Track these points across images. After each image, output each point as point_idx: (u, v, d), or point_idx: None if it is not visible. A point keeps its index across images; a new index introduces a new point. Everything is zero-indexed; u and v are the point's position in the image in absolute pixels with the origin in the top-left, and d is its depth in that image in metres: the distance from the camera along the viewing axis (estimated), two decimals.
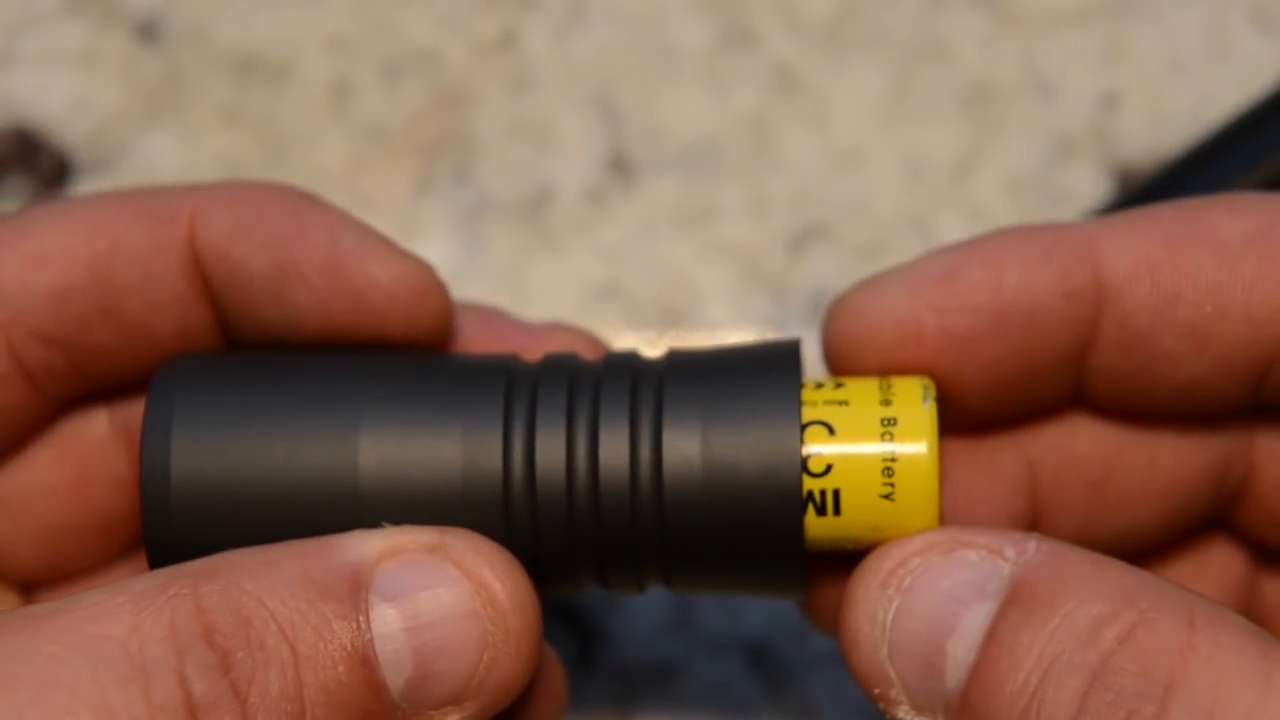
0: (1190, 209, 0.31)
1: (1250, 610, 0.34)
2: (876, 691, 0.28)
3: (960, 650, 0.27)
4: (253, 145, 0.42)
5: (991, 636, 0.27)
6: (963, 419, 0.32)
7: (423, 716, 0.27)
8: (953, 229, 0.41)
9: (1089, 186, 0.42)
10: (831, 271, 0.41)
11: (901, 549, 0.28)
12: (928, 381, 0.30)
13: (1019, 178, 0.42)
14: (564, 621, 0.38)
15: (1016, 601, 0.27)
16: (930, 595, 0.28)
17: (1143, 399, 0.32)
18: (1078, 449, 0.33)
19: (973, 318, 0.31)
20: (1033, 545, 0.27)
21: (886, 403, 0.29)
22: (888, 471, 0.29)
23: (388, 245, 0.30)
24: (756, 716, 0.38)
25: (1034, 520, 0.33)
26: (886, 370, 0.31)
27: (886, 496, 0.29)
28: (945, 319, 0.31)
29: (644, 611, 0.38)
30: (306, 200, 0.30)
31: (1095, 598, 0.26)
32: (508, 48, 0.43)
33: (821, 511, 0.29)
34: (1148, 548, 0.34)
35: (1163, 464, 0.33)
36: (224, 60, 0.43)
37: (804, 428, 0.29)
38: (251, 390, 0.29)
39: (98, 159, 0.42)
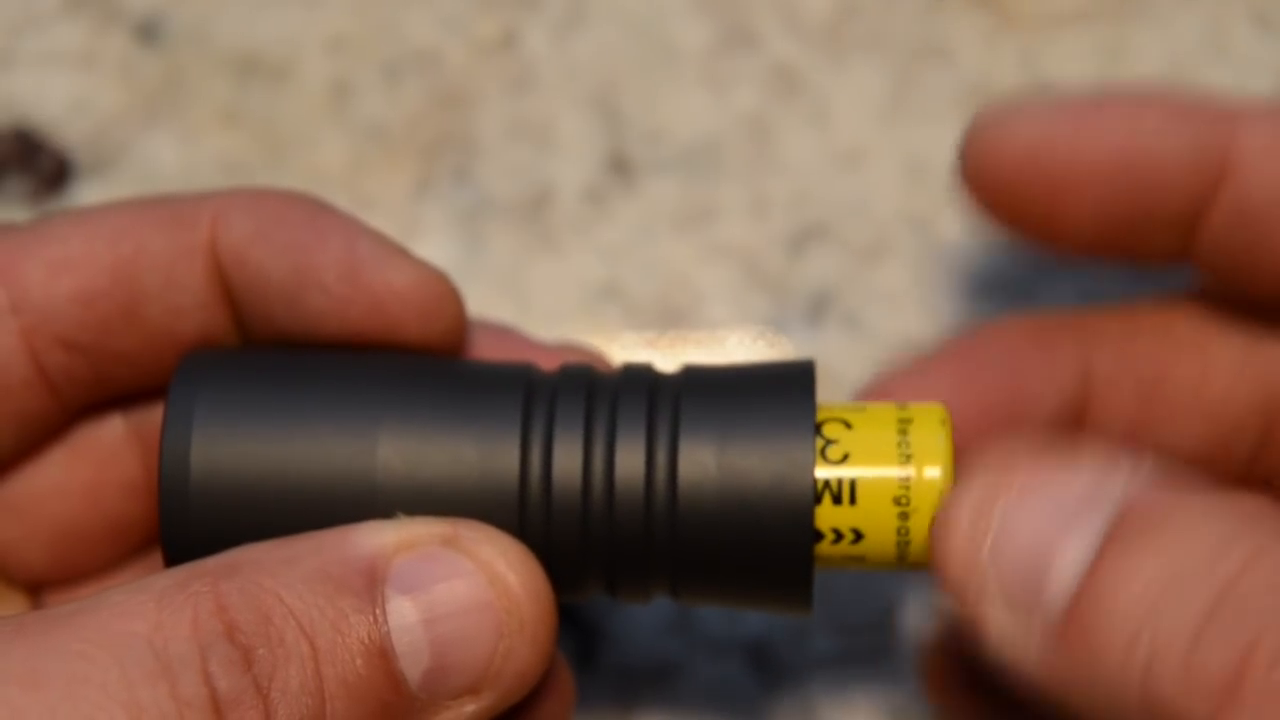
0: None
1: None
2: (970, 585, 0.28)
3: (1071, 557, 0.27)
4: (253, 145, 0.42)
5: (1108, 547, 0.27)
6: (1071, 254, 0.34)
7: (440, 707, 0.28)
8: (953, 229, 0.42)
9: None
10: (831, 271, 0.42)
11: (1013, 452, 0.28)
12: (944, 411, 0.31)
13: None
14: (564, 621, 0.37)
15: (1132, 519, 0.27)
16: (1045, 499, 0.28)
17: (1246, 279, 0.33)
18: (1136, 349, 0.34)
19: (1104, 156, 0.33)
20: (1145, 467, 0.28)
21: (903, 429, 0.30)
22: (903, 489, 0.30)
23: (403, 252, 0.31)
24: (756, 716, 0.39)
25: (1081, 414, 0.34)
26: (1017, 204, 0.33)
27: (902, 516, 0.30)
28: (1078, 149, 0.33)
29: (644, 612, 0.39)
30: (324, 207, 0.31)
31: (1215, 520, 0.27)
32: (508, 48, 0.43)
33: (838, 501, 0.30)
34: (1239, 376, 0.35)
35: (1214, 384, 0.34)
36: (224, 60, 0.43)
37: (822, 445, 0.30)
38: (272, 384, 0.30)
39: (98, 159, 0.42)
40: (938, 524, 0.29)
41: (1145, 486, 0.27)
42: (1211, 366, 0.34)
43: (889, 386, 0.35)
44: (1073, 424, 0.34)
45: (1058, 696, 0.27)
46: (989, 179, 0.34)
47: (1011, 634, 0.27)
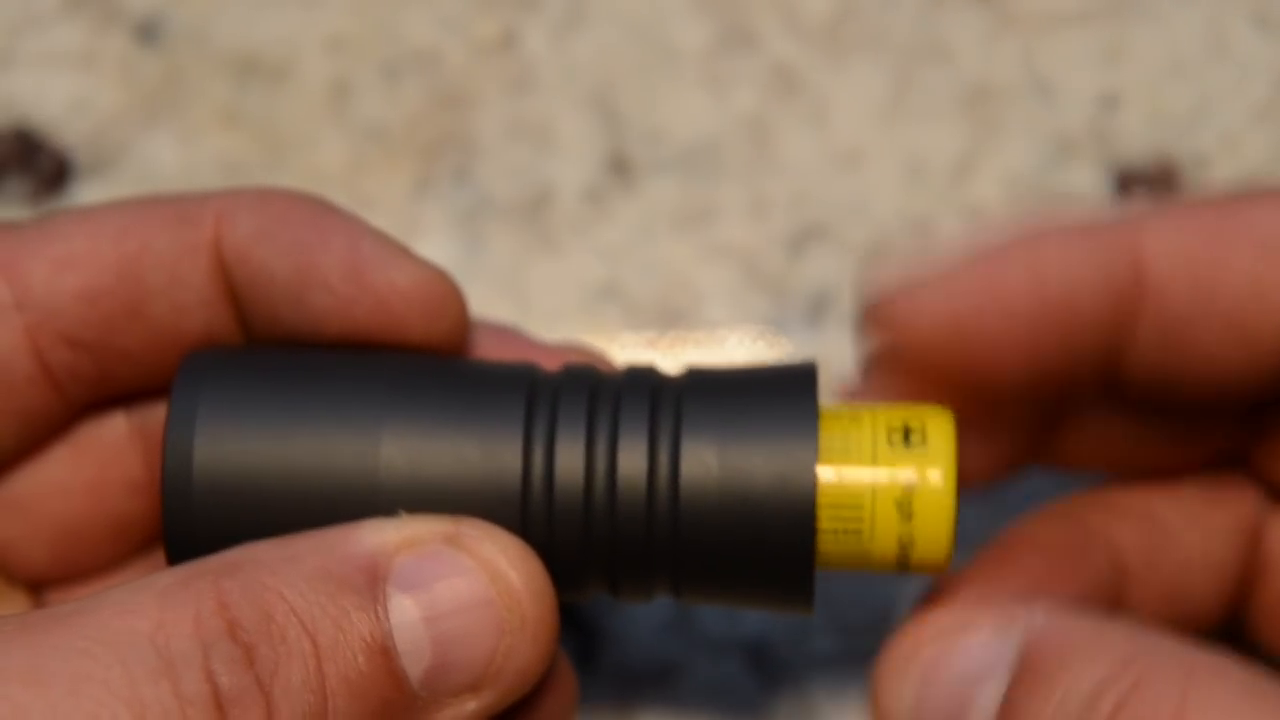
0: (1230, 203, 0.32)
1: (1254, 554, 0.35)
2: None
3: (983, 708, 0.29)
4: (252, 146, 0.42)
5: (1004, 712, 0.29)
6: (999, 406, 0.33)
7: (442, 705, 0.28)
8: (953, 229, 0.42)
9: (1089, 187, 0.42)
10: (831, 272, 0.42)
11: (916, 634, 0.31)
12: (949, 414, 0.31)
13: (1019, 178, 0.42)
14: (564, 621, 0.38)
15: (1025, 675, 0.29)
16: (946, 677, 0.30)
17: (1178, 391, 0.33)
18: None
19: (1014, 319, 0.32)
20: (1039, 617, 0.29)
21: (908, 432, 0.30)
22: (906, 493, 0.30)
23: (407, 252, 0.31)
24: (756, 716, 0.39)
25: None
26: (925, 370, 0.32)
27: (904, 520, 0.30)
28: (987, 316, 0.32)
29: (644, 611, 0.39)
30: (327, 207, 0.31)
31: (1095, 663, 0.28)
32: (508, 48, 0.43)
33: (840, 542, 0.30)
34: (1163, 464, 0.35)
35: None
36: (224, 60, 0.43)
37: (825, 448, 0.30)
38: (275, 383, 0.30)
39: (98, 159, 0.42)
40: (875, 675, 0.31)
41: (1036, 636, 0.29)
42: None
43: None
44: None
45: None
46: (902, 365, 0.33)
47: None
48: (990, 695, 0.29)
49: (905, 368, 0.33)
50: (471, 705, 0.28)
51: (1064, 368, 0.33)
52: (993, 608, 0.30)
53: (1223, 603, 0.35)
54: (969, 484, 0.34)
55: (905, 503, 0.30)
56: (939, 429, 0.30)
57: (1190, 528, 0.35)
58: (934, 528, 0.30)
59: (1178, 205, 0.33)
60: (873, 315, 0.33)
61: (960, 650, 0.30)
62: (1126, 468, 0.36)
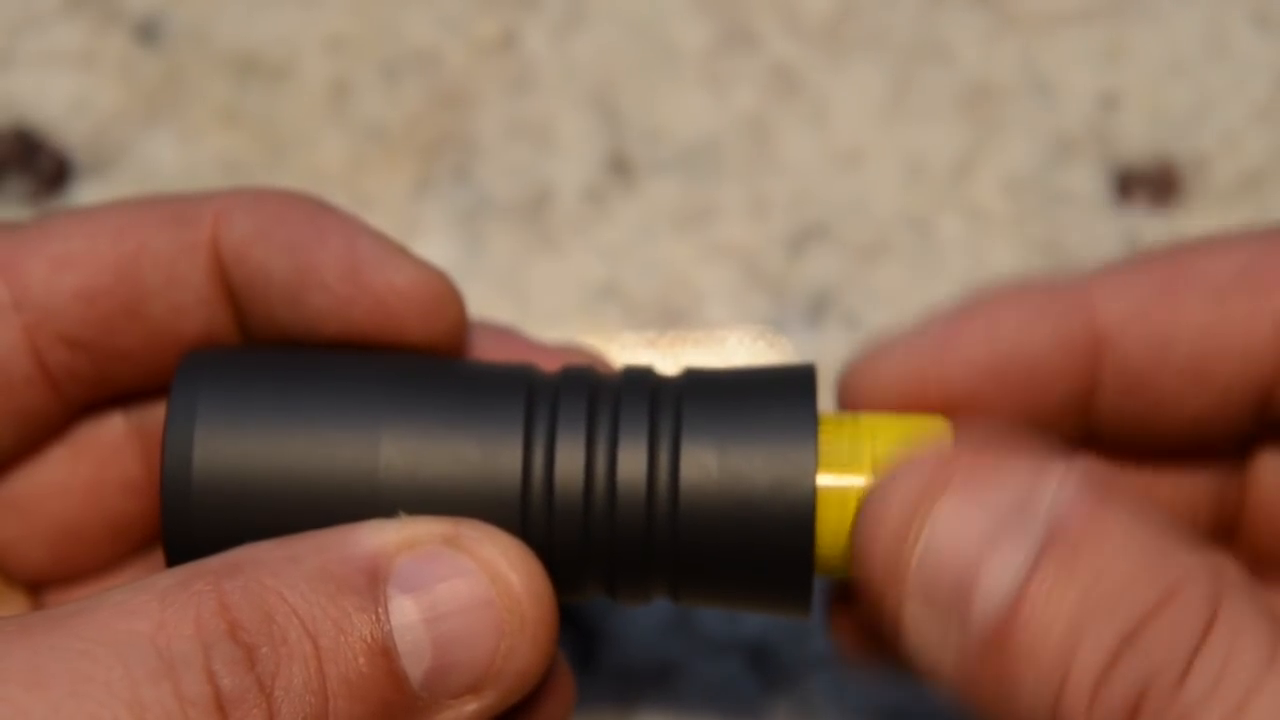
0: (1178, 252, 0.33)
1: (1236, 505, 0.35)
2: (893, 588, 0.28)
3: (998, 576, 0.27)
4: (252, 145, 0.43)
5: (1034, 571, 0.27)
6: None
7: (442, 706, 0.28)
8: (953, 229, 0.42)
9: (1089, 186, 0.42)
10: (831, 271, 0.42)
11: (944, 455, 0.29)
12: (948, 422, 0.31)
13: (1019, 178, 0.42)
14: (564, 622, 0.37)
15: (1058, 540, 0.27)
16: (975, 509, 0.28)
17: (1149, 437, 0.34)
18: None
19: (972, 376, 0.33)
20: (1075, 478, 0.28)
21: (907, 439, 0.30)
22: None
23: (404, 252, 0.31)
24: (756, 716, 0.39)
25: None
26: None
27: None
28: (946, 379, 0.33)
29: (644, 612, 0.39)
30: (325, 207, 0.31)
31: (1136, 556, 0.27)
32: (508, 48, 0.43)
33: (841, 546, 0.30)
34: (1198, 437, 0.35)
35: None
36: (224, 60, 0.43)
37: (827, 455, 0.30)
38: (274, 383, 0.30)
39: (98, 159, 0.42)
40: (864, 519, 0.29)
41: (1075, 501, 0.28)
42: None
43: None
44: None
45: (968, 703, 0.28)
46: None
47: (931, 641, 0.28)
48: (1012, 564, 0.27)
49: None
50: (472, 706, 0.28)
51: (1030, 420, 0.33)
52: (1025, 455, 0.29)
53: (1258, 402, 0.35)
54: None
55: None
56: (939, 436, 0.30)
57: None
58: None
59: (1128, 262, 0.34)
60: (844, 380, 0.34)
61: (986, 498, 0.28)
62: (1159, 439, 0.36)
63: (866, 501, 0.29)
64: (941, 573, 0.28)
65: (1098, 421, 0.34)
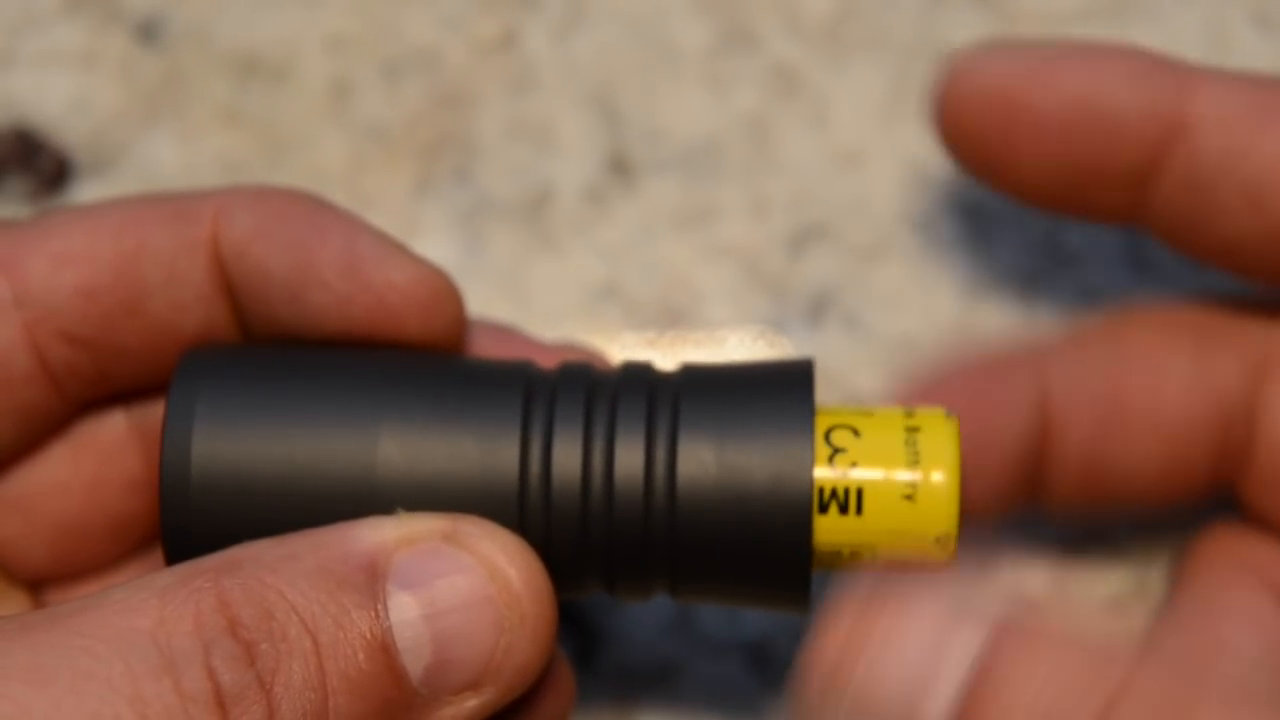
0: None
1: (1247, 424, 0.36)
2: None
3: (937, 709, 0.27)
4: (253, 145, 0.43)
5: (971, 694, 0.27)
6: (1027, 201, 0.35)
7: (442, 702, 0.28)
8: (953, 229, 0.42)
9: None
10: (831, 271, 0.42)
11: (876, 592, 0.29)
12: (952, 416, 0.31)
13: None
14: (564, 621, 0.38)
15: (993, 662, 0.27)
16: (906, 646, 0.28)
17: (1193, 243, 0.34)
18: (1089, 370, 0.35)
19: (1060, 103, 0.34)
20: (998, 598, 0.28)
21: (911, 433, 0.30)
22: (910, 492, 0.30)
23: (403, 250, 0.31)
24: (756, 716, 0.39)
25: (1042, 443, 0.35)
26: (981, 144, 0.34)
27: (906, 520, 0.30)
28: (1037, 96, 0.34)
29: (644, 611, 0.39)
30: (325, 205, 0.31)
31: (1077, 650, 0.27)
32: (508, 48, 0.43)
33: (844, 510, 0.30)
34: (1151, 501, 0.36)
35: (1168, 399, 0.35)
36: (224, 60, 0.43)
37: (829, 452, 0.30)
38: (273, 381, 0.30)
39: (98, 159, 0.42)
40: (806, 662, 0.29)
41: (1004, 623, 0.27)
42: (1164, 382, 0.35)
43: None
44: (1036, 452, 0.35)
45: None
46: (953, 119, 0.36)
47: None
48: (945, 694, 0.27)
49: (954, 136, 0.35)
50: (472, 702, 0.29)
51: (1093, 179, 0.34)
52: (948, 585, 0.29)
53: (1207, 467, 0.36)
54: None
55: (904, 497, 0.30)
56: (942, 430, 0.31)
57: (1172, 390, 0.36)
58: (938, 529, 0.30)
59: (1244, 73, 0.35)
60: (948, 69, 0.35)
61: (910, 640, 0.28)
62: (1114, 504, 0.36)
63: (809, 649, 0.29)
64: (879, 707, 0.28)
65: (1151, 206, 0.35)
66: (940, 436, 0.30)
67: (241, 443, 0.30)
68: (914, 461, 0.30)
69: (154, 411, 0.33)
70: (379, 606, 0.28)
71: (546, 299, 0.42)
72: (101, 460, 0.33)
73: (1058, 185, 0.35)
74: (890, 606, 0.28)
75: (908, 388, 0.36)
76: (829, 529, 0.30)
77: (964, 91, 0.35)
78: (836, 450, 0.30)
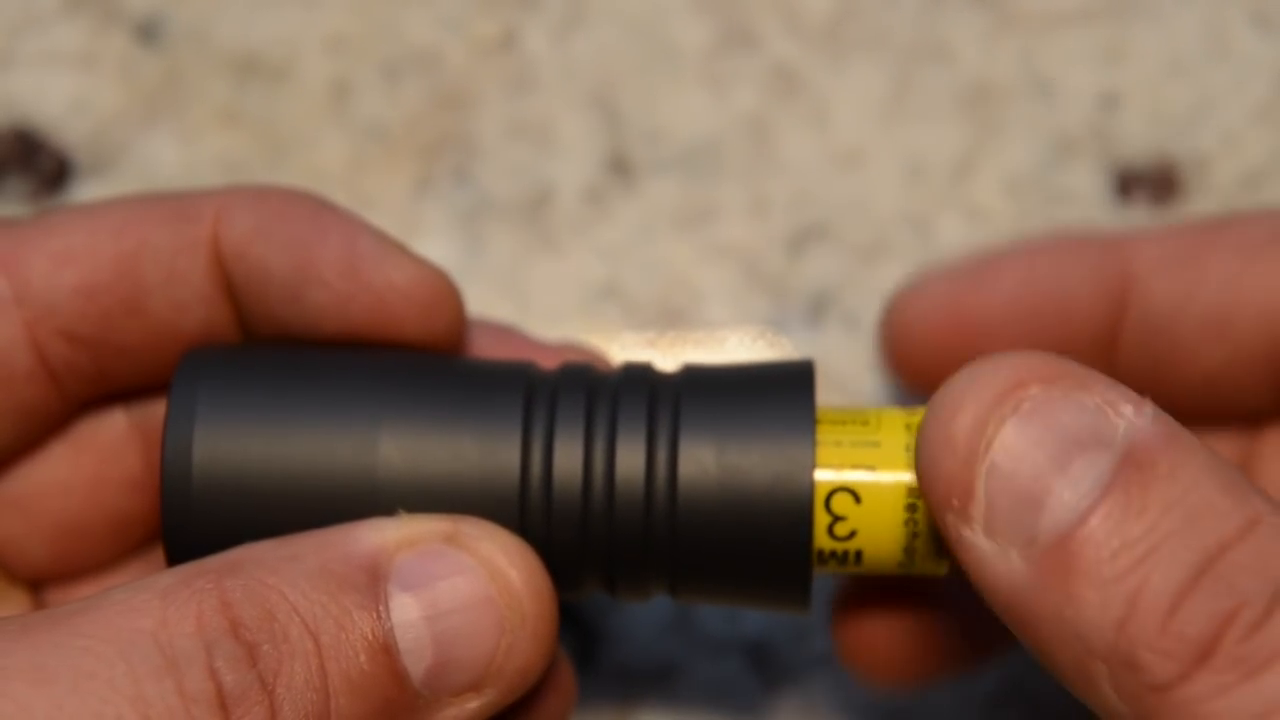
0: (1223, 218, 0.34)
1: None
2: (955, 503, 0.27)
3: (1070, 493, 0.26)
4: (253, 145, 0.43)
5: (1108, 490, 0.26)
6: None
7: (443, 703, 0.28)
8: (953, 229, 0.42)
9: (1089, 186, 0.42)
10: (831, 271, 0.42)
11: (1017, 368, 0.27)
12: None
13: (1019, 178, 0.42)
14: (564, 621, 0.38)
15: (1134, 464, 0.26)
16: (1047, 428, 0.27)
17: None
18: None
19: (1008, 310, 0.34)
20: (1149, 410, 0.27)
21: (912, 434, 0.30)
22: (908, 495, 0.30)
23: (404, 249, 0.31)
24: (756, 716, 0.39)
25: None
26: (936, 358, 0.34)
27: (910, 523, 0.30)
28: (983, 312, 0.34)
29: (644, 611, 0.39)
30: (325, 204, 0.31)
31: (1214, 486, 0.26)
32: (508, 48, 0.44)
33: (843, 542, 0.30)
34: (1218, 405, 0.35)
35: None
36: (224, 60, 0.43)
37: (830, 453, 0.30)
38: (274, 381, 0.30)
39: (98, 159, 0.42)
40: (928, 433, 0.28)
41: (1149, 431, 0.27)
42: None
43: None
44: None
45: (1022, 625, 0.27)
46: (905, 348, 0.36)
47: (992, 557, 0.27)
48: (1095, 467, 0.26)
49: (912, 366, 0.35)
50: (473, 704, 0.29)
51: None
52: (1102, 379, 0.27)
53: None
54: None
55: (907, 505, 0.30)
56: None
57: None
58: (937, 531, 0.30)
59: (1169, 225, 0.35)
60: (889, 307, 0.35)
61: (1067, 407, 0.27)
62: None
63: (930, 413, 0.28)
64: (1009, 490, 0.27)
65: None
66: None
67: (242, 443, 0.30)
68: (914, 414, 0.30)
69: (154, 411, 0.33)
70: (380, 608, 0.28)
71: (546, 299, 0.42)
72: (102, 459, 0.33)
73: None
74: (1044, 370, 0.27)
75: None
76: (835, 459, 0.30)
77: (910, 320, 0.35)
78: (836, 519, 0.30)
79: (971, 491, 0.27)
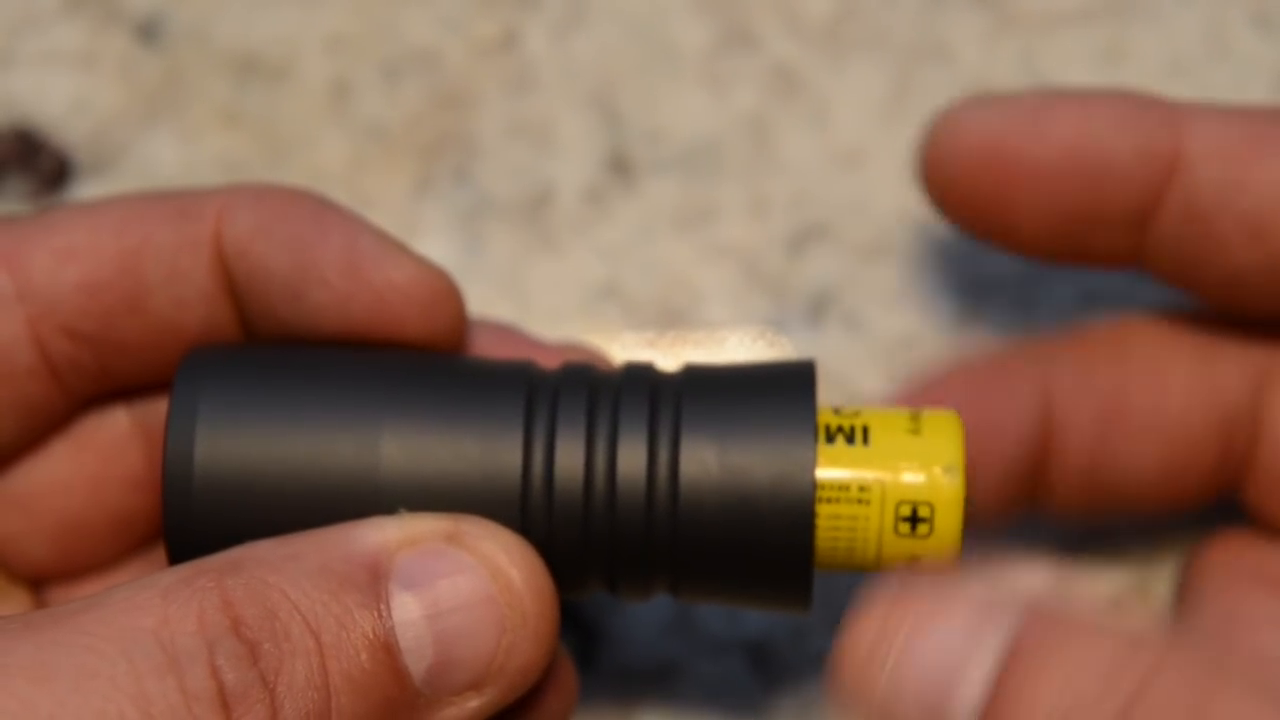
0: (1277, 114, 0.34)
1: (1250, 423, 0.36)
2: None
3: (966, 696, 0.27)
4: (253, 145, 0.43)
5: (1002, 681, 0.27)
6: (1025, 253, 0.35)
7: (444, 702, 0.28)
8: (953, 229, 0.42)
9: None
10: (831, 271, 0.42)
11: (907, 586, 0.28)
12: (956, 415, 0.31)
13: None
14: (565, 621, 0.38)
15: (1025, 648, 0.27)
16: (937, 635, 0.28)
17: (1195, 279, 0.34)
18: (1093, 372, 0.35)
19: (1054, 151, 0.34)
20: (1030, 593, 0.28)
21: (916, 432, 0.31)
22: (911, 493, 0.30)
23: (404, 249, 0.31)
24: (756, 716, 0.39)
25: (1044, 445, 0.35)
26: (973, 196, 0.34)
27: (909, 519, 0.30)
28: (1030, 146, 0.34)
29: (644, 611, 0.39)
30: (327, 204, 0.32)
31: (1106, 641, 0.27)
32: (508, 48, 0.44)
33: (850, 441, 0.30)
34: (1154, 505, 0.36)
35: (1171, 403, 0.35)
36: (224, 60, 0.43)
37: (832, 448, 0.30)
38: (275, 381, 0.30)
39: (98, 159, 0.43)
40: (838, 655, 0.29)
41: (1033, 614, 0.27)
42: (1168, 386, 0.36)
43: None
44: (1038, 454, 0.35)
45: None
46: (943, 177, 0.35)
47: None
48: (979, 677, 0.27)
49: (945, 194, 0.35)
50: (474, 703, 0.29)
51: (1090, 225, 0.34)
52: (977, 584, 0.28)
53: (1209, 473, 0.36)
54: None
55: (911, 503, 0.30)
56: (946, 428, 0.31)
57: (1174, 389, 0.36)
58: (942, 528, 0.30)
59: (1235, 107, 0.34)
60: (934, 127, 0.35)
61: (946, 621, 0.28)
62: (1117, 508, 0.36)
63: (840, 642, 0.29)
64: (912, 702, 0.27)
65: (1152, 245, 0.34)
66: (946, 435, 0.30)
67: (244, 443, 0.30)
68: (919, 461, 0.30)
69: (156, 409, 0.33)
70: (381, 607, 0.28)
71: (546, 299, 0.42)
72: (103, 457, 0.33)
73: (1056, 235, 0.35)
74: (919, 601, 0.28)
75: (908, 389, 0.36)
76: (836, 459, 0.30)
77: (953, 148, 0.35)
78: (837, 444, 0.30)
79: (881, 706, 0.28)
